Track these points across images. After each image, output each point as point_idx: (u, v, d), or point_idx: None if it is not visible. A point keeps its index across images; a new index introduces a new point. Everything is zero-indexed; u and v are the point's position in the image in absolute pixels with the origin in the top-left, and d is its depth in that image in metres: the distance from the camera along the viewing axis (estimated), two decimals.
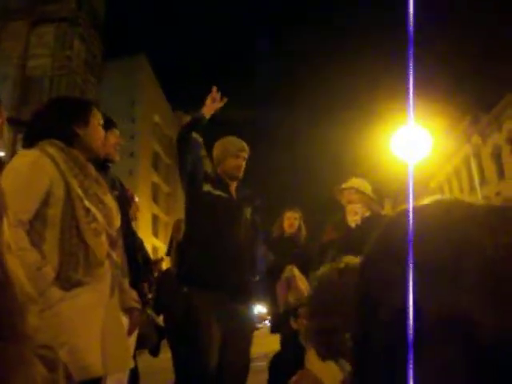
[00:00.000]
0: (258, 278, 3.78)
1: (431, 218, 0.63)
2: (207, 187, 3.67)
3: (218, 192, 3.68)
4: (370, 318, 0.61)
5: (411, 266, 0.55)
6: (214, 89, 3.76)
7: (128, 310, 2.65)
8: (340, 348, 1.62)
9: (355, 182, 4.87)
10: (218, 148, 3.96)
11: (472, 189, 29.63)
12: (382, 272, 0.62)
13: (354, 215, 4.69)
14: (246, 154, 3.90)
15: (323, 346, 1.68)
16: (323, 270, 1.78)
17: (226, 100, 3.79)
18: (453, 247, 0.59)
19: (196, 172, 3.65)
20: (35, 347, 0.77)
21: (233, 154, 3.84)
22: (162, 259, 7.45)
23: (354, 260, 1.72)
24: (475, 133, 29.27)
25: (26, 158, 2.34)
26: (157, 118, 46.70)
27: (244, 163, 3.88)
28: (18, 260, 0.78)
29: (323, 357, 1.66)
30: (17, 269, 0.76)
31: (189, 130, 3.66)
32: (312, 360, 1.68)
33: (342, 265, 1.73)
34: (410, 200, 0.59)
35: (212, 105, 3.74)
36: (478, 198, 26.47)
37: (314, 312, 1.72)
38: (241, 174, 3.86)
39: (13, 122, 22.97)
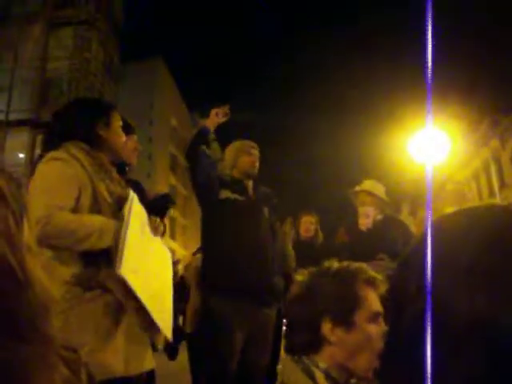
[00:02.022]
0: (278, 278, 3.77)
1: (476, 223, 0.63)
2: (224, 193, 3.68)
3: (235, 196, 3.69)
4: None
5: (428, 271, 0.54)
6: (224, 107, 3.85)
7: None
8: (295, 343, 1.68)
9: (368, 184, 4.85)
10: (229, 151, 4.02)
11: (491, 193, 29.32)
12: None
13: (366, 218, 4.67)
14: (256, 151, 3.94)
15: (286, 340, 1.75)
16: (303, 272, 1.83)
17: (228, 115, 3.88)
18: (492, 254, 0.59)
19: (210, 182, 3.68)
20: (57, 349, 0.77)
21: (244, 151, 3.90)
22: (178, 261, 7.48)
23: (334, 264, 1.77)
24: (494, 136, 28.96)
25: (57, 160, 2.32)
26: (174, 121, 46.90)
27: (257, 161, 3.91)
28: (37, 260, 0.79)
29: (286, 351, 1.71)
30: (37, 269, 0.76)
31: (195, 145, 3.71)
32: (284, 365, 1.72)
33: (325, 266, 1.77)
34: (429, 203, 0.59)
35: (215, 118, 3.82)
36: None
37: (288, 307, 1.81)
38: (256, 171, 3.89)
39: (32, 123, 23.22)
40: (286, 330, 1.78)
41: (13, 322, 0.69)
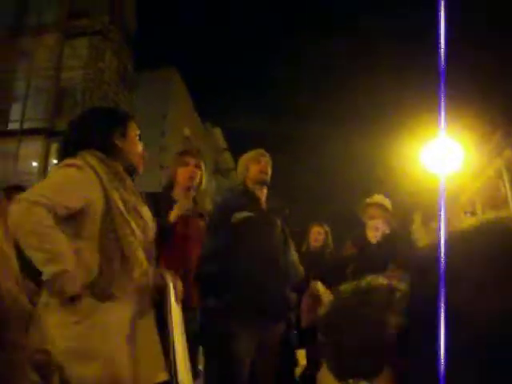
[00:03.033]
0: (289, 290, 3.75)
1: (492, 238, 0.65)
2: (238, 215, 3.64)
3: (246, 214, 3.64)
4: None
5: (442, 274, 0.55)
6: None
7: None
8: (351, 369, 1.59)
9: (379, 198, 4.86)
10: (241, 161, 4.01)
11: (504, 203, 29.03)
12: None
13: (376, 231, 4.66)
14: (267, 159, 3.91)
15: (336, 365, 1.65)
16: (344, 287, 1.75)
17: None
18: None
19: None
20: (29, 353, 0.77)
21: (254, 159, 3.88)
22: None
23: (375, 279, 1.69)
24: (507, 147, 28.76)
25: (71, 167, 2.33)
26: (187, 131, 46.91)
27: (269, 169, 3.88)
28: (9, 269, 0.79)
29: (336, 376, 1.62)
30: (7, 279, 0.77)
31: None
32: (324, 378, 1.64)
33: (364, 284, 1.70)
34: (442, 213, 0.59)
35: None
36: (510, 212, 25.97)
37: (329, 329, 1.69)
38: (267, 178, 3.86)
39: (46, 132, 23.38)
40: (341, 352, 1.61)
41: None
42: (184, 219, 3.72)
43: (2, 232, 0.79)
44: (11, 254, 0.90)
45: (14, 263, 2.13)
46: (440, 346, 0.52)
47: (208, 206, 4.21)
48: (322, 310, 1.77)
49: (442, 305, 0.54)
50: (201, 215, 3.90)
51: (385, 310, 1.59)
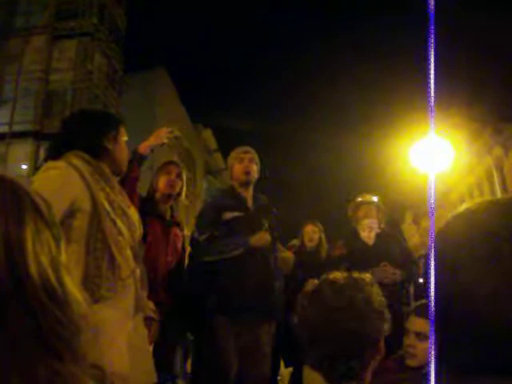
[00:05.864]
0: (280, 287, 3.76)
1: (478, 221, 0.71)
2: (226, 215, 3.64)
3: (234, 214, 3.65)
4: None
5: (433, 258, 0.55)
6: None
7: (145, 320, 2.63)
8: (342, 372, 1.55)
9: (370, 196, 4.85)
10: (228, 161, 4.00)
11: None
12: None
13: (370, 231, 4.65)
14: (250, 155, 3.87)
15: (324, 369, 1.58)
16: (310, 287, 1.72)
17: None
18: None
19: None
20: (87, 367, 0.79)
21: (236, 158, 3.86)
22: None
23: (340, 276, 1.67)
24: (497, 145, 28.92)
25: (53, 170, 2.33)
26: (176, 131, 46.85)
27: (253, 166, 3.84)
28: (74, 279, 0.82)
29: (328, 380, 1.57)
30: (74, 289, 0.80)
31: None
32: (309, 378, 1.62)
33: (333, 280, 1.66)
34: (431, 211, 0.59)
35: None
36: None
37: (310, 335, 1.65)
38: (251, 178, 3.82)
39: (35, 135, 23.28)
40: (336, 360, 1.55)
41: (52, 340, 0.71)
42: (162, 226, 3.83)
43: None
44: None
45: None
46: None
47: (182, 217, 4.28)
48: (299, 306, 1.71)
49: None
50: (177, 224, 3.99)
51: (367, 308, 1.57)
